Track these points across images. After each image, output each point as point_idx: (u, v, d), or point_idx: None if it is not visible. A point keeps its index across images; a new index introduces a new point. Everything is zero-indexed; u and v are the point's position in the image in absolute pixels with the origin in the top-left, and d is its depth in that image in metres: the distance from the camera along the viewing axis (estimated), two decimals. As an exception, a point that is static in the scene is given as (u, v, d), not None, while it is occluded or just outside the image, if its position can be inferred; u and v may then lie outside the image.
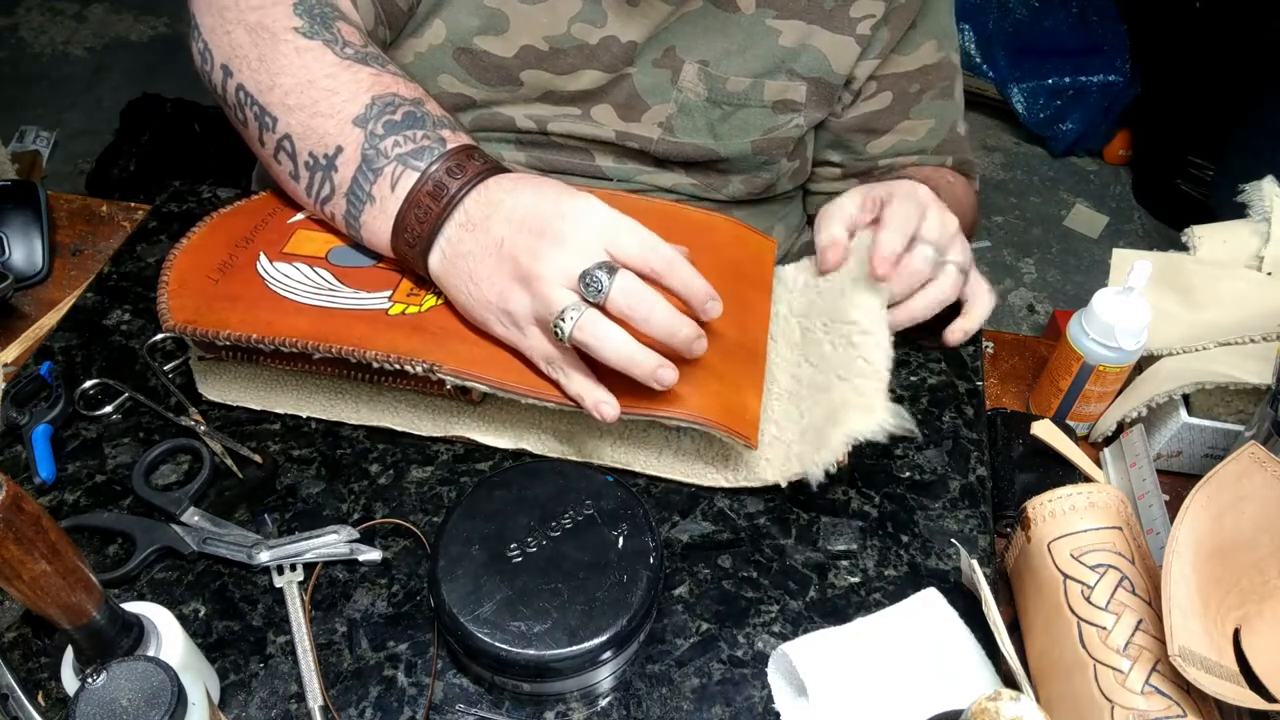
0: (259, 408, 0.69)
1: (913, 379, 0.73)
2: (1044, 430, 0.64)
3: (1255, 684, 0.48)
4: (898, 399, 0.67)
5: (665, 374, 0.58)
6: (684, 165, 0.85)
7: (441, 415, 0.68)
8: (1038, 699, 0.54)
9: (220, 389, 0.69)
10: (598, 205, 0.59)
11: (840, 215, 0.69)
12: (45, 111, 2.31)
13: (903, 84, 0.84)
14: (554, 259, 0.57)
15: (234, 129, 0.72)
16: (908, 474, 0.67)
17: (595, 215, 0.58)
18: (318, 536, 0.61)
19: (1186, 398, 0.69)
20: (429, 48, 0.77)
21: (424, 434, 0.67)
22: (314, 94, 0.65)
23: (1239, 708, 0.50)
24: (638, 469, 0.66)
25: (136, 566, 0.60)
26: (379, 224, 0.64)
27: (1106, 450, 0.72)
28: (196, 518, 0.62)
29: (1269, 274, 0.72)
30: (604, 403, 0.59)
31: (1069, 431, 0.70)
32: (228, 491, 0.65)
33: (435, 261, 0.63)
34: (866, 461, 0.68)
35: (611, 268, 0.57)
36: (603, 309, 0.57)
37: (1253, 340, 0.69)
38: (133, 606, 0.50)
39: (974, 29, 2.37)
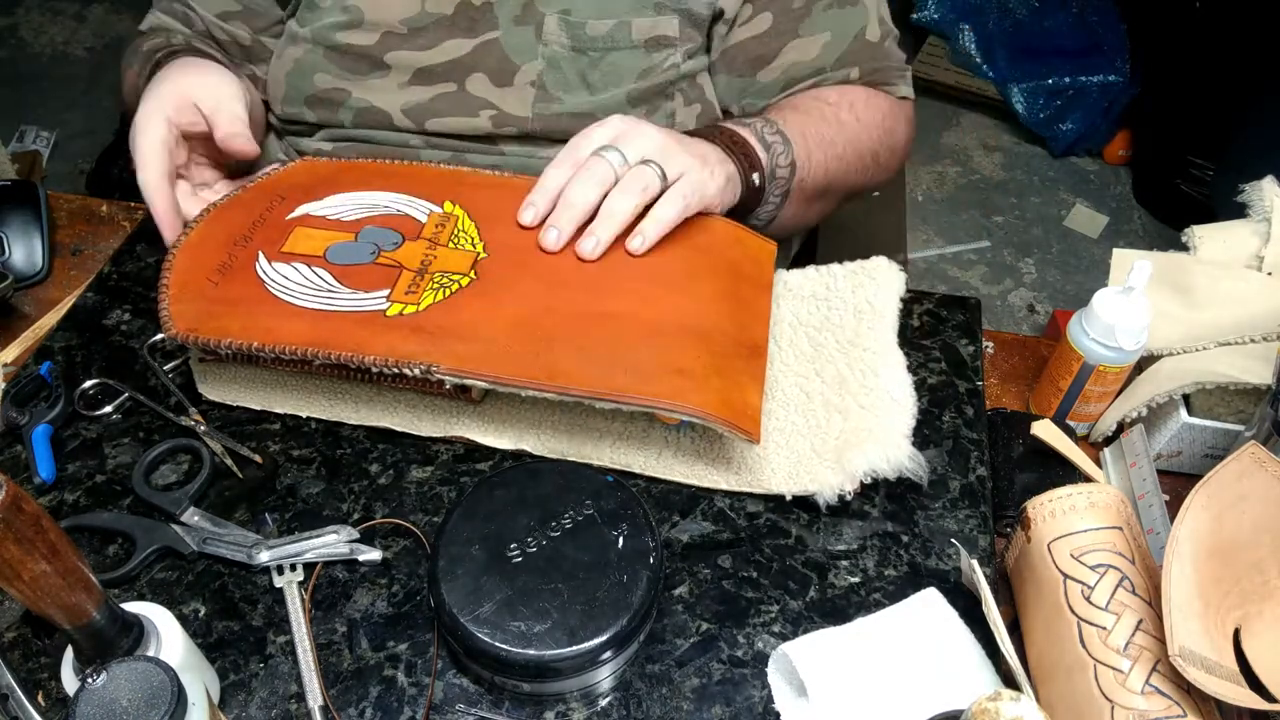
0: (259, 408, 0.69)
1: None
2: (1044, 430, 0.64)
3: (1255, 684, 0.48)
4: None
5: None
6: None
7: (441, 415, 0.68)
8: (1038, 699, 0.54)
9: (220, 389, 0.69)
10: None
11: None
12: (45, 111, 2.31)
13: (783, 1, 0.80)
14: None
15: None
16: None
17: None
18: (318, 536, 0.61)
19: (1186, 398, 0.69)
20: (304, 52, 0.80)
21: (424, 434, 0.67)
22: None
23: (1239, 708, 0.50)
24: (637, 469, 0.66)
25: (136, 566, 0.60)
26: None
27: (1106, 450, 0.72)
28: (196, 518, 0.62)
29: (1269, 274, 0.72)
30: None
31: (1069, 431, 0.70)
32: (228, 491, 0.65)
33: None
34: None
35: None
36: None
37: (1253, 340, 0.69)
38: (133, 606, 0.50)
39: (974, 29, 2.36)
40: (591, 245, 0.67)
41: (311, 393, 0.69)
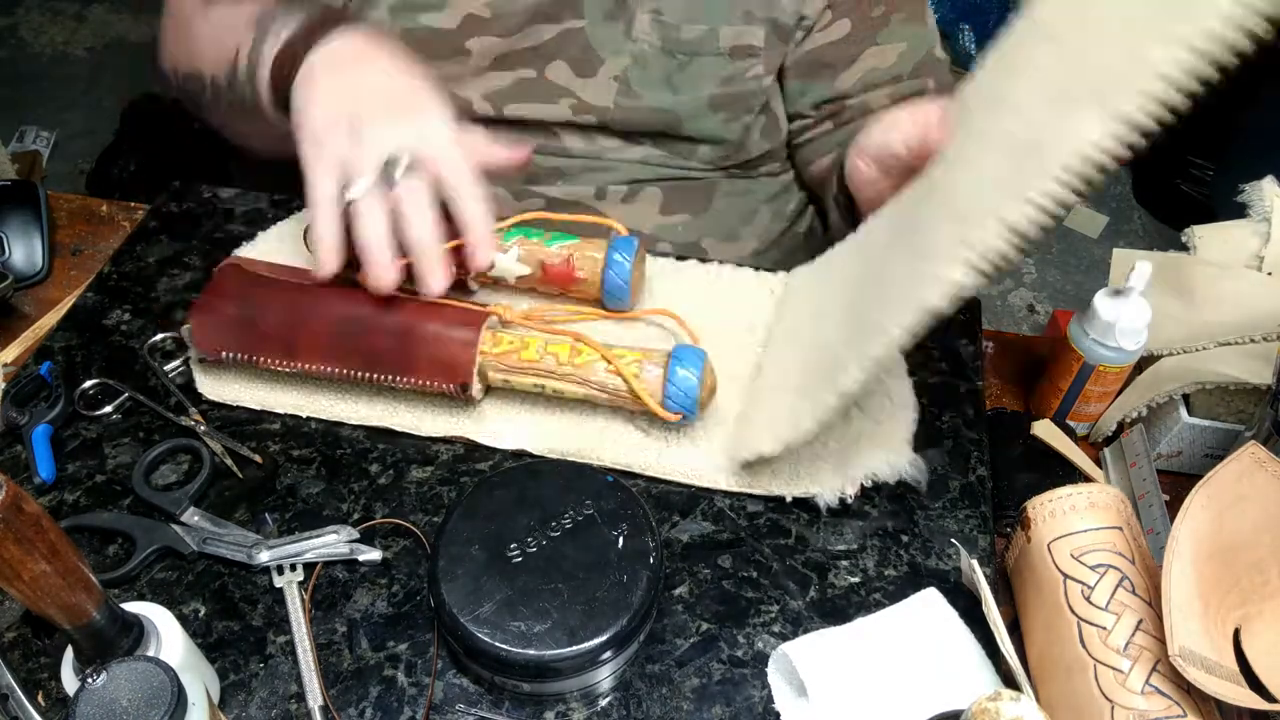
0: (258, 407, 0.69)
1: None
2: (1044, 430, 0.64)
3: (1255, 684, 0.48)
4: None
5: (383, 282, 0.63)
6: (645, 135, 0.83)
7: (442, 415, 0.68)
8: (1038, 699, 0.54)
9: (220, 388, 0.69)
10: (441, 111, 0.65)
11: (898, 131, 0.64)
12: (45, 111, 2.31)
13: (863, 8, 0.80)
14: (379, 133, 0.62)
15: (211, 128, 0.79)
16: (908, 474, 0.67)
17: (434, 117, 0.64)
18: (318, 536, 0.61)
19: (1186, 398, 0.69)
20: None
21: (424, 434, 0.67)
22: (220, 35, 0.73)
23: (1239, 708, 0.50)
24: (638, 469, 0.66)
25: (136, 566, 0.60)
26: (265, 70, 0.68)
27: (1106, 450, 0.72)
28: (196, 518, 0.62)
29: (1269, 274, 0.72)
30: (379, 273, 0.63)
31: (1069, 431, 0.70)
32: (228, 491, 0.65)
33: (298, 77, 0.66)
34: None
35: (413, 165, 0.62)
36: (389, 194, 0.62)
37: (1253, 340, 0.69)
38: (133, 606, 0.50)
39: (974, 29, 2.36)
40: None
41: (311, 393, 0.69)
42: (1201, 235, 0.76)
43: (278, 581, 0.60)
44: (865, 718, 0.53)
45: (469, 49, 0.78)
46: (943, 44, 0.86)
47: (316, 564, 0.60)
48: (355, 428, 0.68)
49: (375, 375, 0.65)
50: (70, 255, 0.83)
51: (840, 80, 0.83)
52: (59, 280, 0.81)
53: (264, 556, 0.60)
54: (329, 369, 0.66)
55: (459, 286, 0.74)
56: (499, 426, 0.68)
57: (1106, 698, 0.49)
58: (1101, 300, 0.67)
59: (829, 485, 0.63)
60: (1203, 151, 2.15)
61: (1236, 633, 0.51)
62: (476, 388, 0.65)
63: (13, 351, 0.74)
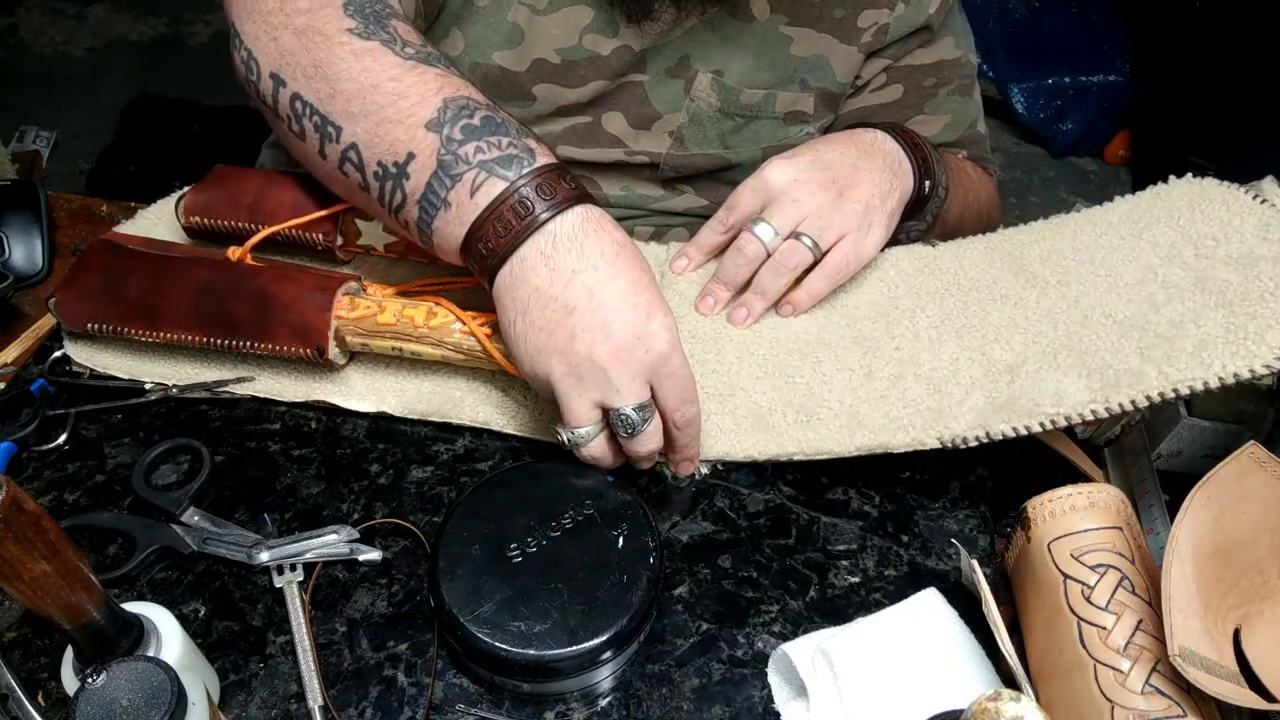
0: (127, 376, 0.69)
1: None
2: (1044, 430, 0.64)
3: (1255, 684, 0.48)
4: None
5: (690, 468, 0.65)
6: (692, 181, 0.85)
7: (305, 381, 0.69)
8: (1038, 699, 0.54)
9: (92, 356, 0.70)
10: (671, 341, 0.57)
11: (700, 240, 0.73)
12: (45, 111, 2.30)
13: (916, 77, 0.83)
14: (604, 383, 0.56)
15: (286, 142, 0.67)
16: (908, 474, 0.67)
17: (663, 352, 0.57)
18: (318, 536, 0.61)
19: (1187, 398, 0.69)
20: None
21: (286, 400, 0.68)
22: (379, 99, 0.60)
23: (1239, 708, 0.50)
24: (497, 428, 0.67)
25: (136, 566, 0.60)
26: (452, 230, 0.59)
27: (1106, 450, 0.72)
28: (196, 518, 0.62)
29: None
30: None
31: (1069, 432, 0.70)
32: (228, 491, 0.65)
33: (501, 277, 0.59)
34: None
35: (646, 414, 0.58)
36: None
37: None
38: (133, 606, 0.50)
39: (974, 29, 2.37)
40: (742, 316, 0.71)
41: (178, 362, 0.70)
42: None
43: (278, 581, 0.60)
44: (865, 717, 0.53)
45: (535, 94, 0.78)
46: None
47: (316, 564, 0.60)
48: (355, 427, 0.68)
49: (235, 342, 0.66)
50: (70, 255, 0.83)
51: None
52: (59, 280, 0.81)
53: (264, 556, 0.60)
54: (190, 337, 0.66)
55: (328, 256, 0.74)
56: (361, 391, 0.68)
57: (1106, 698, 0.49)
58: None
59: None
60: (1203, 151, 2.15)
61: (1236, 633, 0.51)
62: (334, 352, 0.66)
63: (13, 351, 0.74)
